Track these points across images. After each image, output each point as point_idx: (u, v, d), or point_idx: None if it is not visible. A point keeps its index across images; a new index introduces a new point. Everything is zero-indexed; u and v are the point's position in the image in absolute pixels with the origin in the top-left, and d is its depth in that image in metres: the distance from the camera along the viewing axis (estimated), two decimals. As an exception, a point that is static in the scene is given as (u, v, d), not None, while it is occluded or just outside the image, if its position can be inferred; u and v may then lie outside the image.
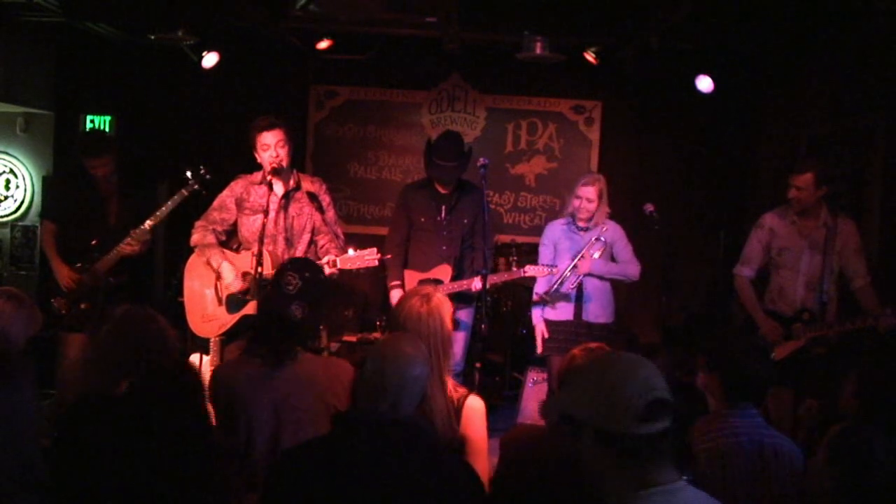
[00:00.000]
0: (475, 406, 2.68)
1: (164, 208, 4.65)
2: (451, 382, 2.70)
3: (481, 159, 4.51)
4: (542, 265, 4.68)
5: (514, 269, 4.92)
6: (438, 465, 2.07)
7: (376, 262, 4.24)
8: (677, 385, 3.93)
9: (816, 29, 5.19)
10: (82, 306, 4.69)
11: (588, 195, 4.70)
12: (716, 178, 6.76)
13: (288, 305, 2.92)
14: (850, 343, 4.24)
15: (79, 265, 4.73)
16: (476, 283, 4.60)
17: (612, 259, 4.81)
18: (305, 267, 3.08)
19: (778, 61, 6.01)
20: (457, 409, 2.66)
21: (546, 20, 5.52)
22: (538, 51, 5.55)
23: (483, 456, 2.68)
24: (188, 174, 4.61)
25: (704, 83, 6.00)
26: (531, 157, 6.89)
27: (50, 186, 5.29)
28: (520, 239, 6.56)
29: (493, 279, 4.69)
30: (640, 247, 6.59)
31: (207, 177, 4.62)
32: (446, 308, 2.72)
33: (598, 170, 6.86)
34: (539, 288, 4.81)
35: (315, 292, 3.02)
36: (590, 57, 5.96)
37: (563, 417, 1.72)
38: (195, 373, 2.73)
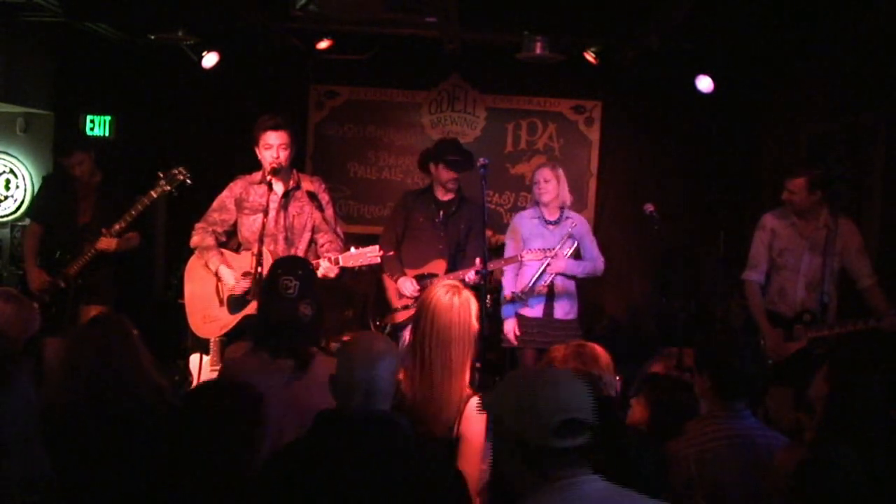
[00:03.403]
0: (477, 406, 2.72)
1: (132, 210, 4.64)
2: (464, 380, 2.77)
3: (481, 159, 4.51)
4: (539, 249, 4.71)
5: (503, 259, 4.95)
6: (413, 457, 2.12)
7: (378, 259, 4.24)
8: (677, 385, 3.93)
9: (816, 29, 5.18)
10: (53, 310, 4.67)
11: (544, 176, 4.88)
12: (716, 178, 6.76)
13: (296, 309, 2.88)
14: (851, 344, 4.24)
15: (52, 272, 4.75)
16: (470, 275, 4.63)
17: (578, 254, 4.91)
18: (296, 265, 3.05)
19: (778, 61, 6.01)
20: (459, 408, 2.70)
21: (546, 20, 5.52)
22: (538, 51, 5.55)
23: (475, 460, 2.71)
24: (160, 174, 4.59)
25: (704, 83, 6.00)
26: (531, 157, 6.88)
27: (39, 188, 5.33)
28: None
29: (489, 266, 4.69)
30: (640, 247, 6.63)
31: (180, 178, 4.56)
32: (473, 302, 2.83)
33: (598, 170, 6.88)
34: (507, 287, 4.92)
35: (313, 287, 3.00)
36: (590, 57, 5.95)
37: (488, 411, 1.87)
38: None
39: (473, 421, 2.70)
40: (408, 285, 4.82)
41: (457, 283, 2.93)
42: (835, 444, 2.17)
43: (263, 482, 2.14)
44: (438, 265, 4.88)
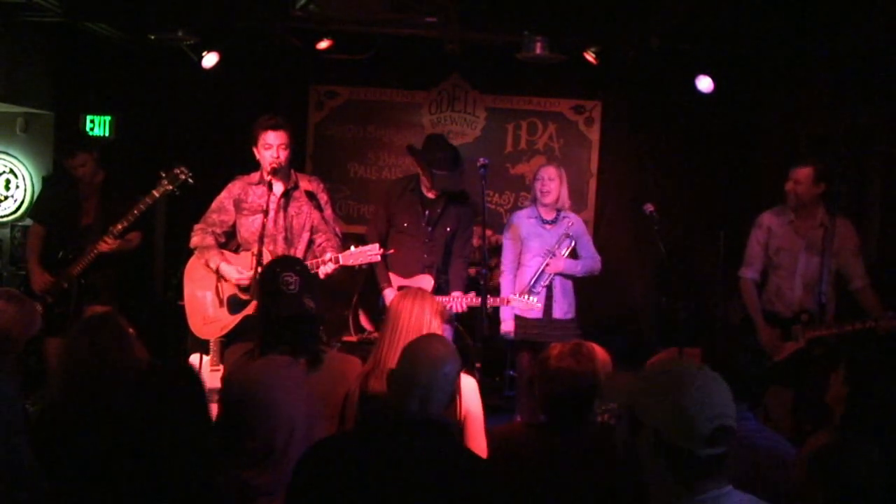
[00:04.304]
0: (469, 384, 2.85)
1: (134, 210, 4.63)
2: None
3: (481, 159, 4.50)
4: (526, 298, 4.69)
5: (498, 297, 4.87)
6: (463, 465, 2.12)
7: (378, 258, 4.25)
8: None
9: (816, 29, 5.19)
10: (57, 310, 4.68)
11: (548, 174, 4.89)
12: (716, 178, 6.76)
13: (301, 303, 2.92)
14: (849, 344, 4.24)
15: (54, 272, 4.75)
16: (455, 305, 4.60)
17: (575, 254, 4.93)
18: (292, 262, 3.11)
19: (778, 61, 6.01)
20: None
21: (546, 20, 5.52)
22: (538, 51, 5.54)
23: (482, 433, 2.83)
24: (161, 174, 4.59)
25: (704, 83, 6.00)
26: (531, 157, 6.89)
27: (42, 188, 5.32)
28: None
29: (475, 301, 4.59)
30: (639, 247, 6.63)
31: (182, 177, 4.56)
32: (433, 301, 2.96)
33: (598, 170, 6.88)
34: (506, 289, 4.90)
35: (311, 280, 3.06)
36: (590, 57, 5.95)
37: (629, 412, 1.79)
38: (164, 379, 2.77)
39: (471, 398, 2.81)
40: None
41: (416, 287, 3.07)
42: (857, 434, 2.17)
43: (304, 471, 2.13)
44: (425, 281, 4.72)
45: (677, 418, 1.69)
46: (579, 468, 2.28)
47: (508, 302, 4.71)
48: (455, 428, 2.21)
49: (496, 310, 5.03)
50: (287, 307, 2.94)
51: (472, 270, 5.33)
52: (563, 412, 2.43)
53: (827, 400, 2.72)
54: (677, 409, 1.69)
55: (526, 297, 4.69)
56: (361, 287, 5.08)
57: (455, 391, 2.71)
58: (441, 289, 4.78)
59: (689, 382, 1.73)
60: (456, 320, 4.91)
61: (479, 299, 4.48)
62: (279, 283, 2.96)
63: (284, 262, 3.10)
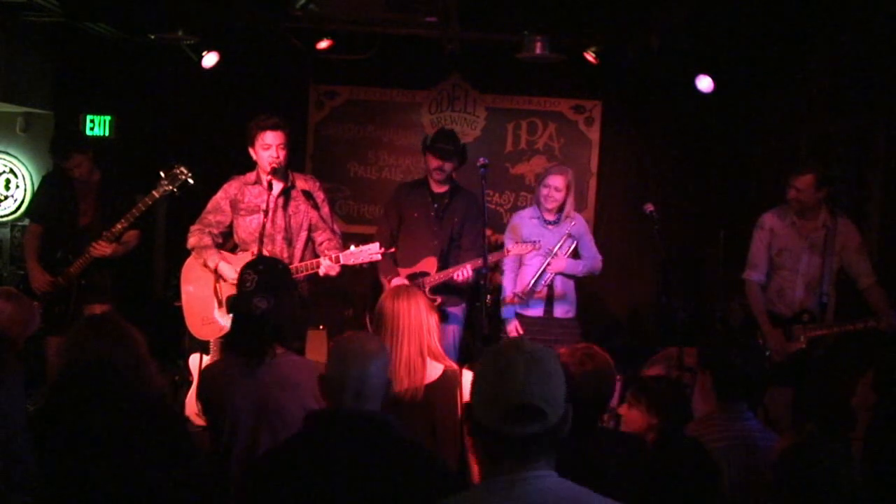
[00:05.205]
0: (470, 379, 2.83)
1: (134, 210, 4.61)
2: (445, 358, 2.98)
3: (481, 159, 4.49)
4: (525, 242, 4.69)
5: (497, 252, 4.86)
6: (407, 456, 2.12)
7: (379, 257, 4.24)
8: (677, 385, 3.94)
9: (816, 29, 5.19)
10: (56, 310, 4.66)
11: (556, 184, 4.82)
12: (716, 178, 6.76)
13: (248, 302, 2.89)
14: (850, 344, 4.24)
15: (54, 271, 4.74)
16: (461, 274, 4.59)
17: (576, 253, 4.92)
18: (259, 262, 3.09)
19: (778, 61, 6.01)
20: (454, 384, 2.87)
21: (546, 20, 5.52)
22: (538, 51, 5.54)
23: None
24: (161, 174, 4.57)
25: (704, 83, 5.99)
26: (531, 157, 6.89)
27: (37, 188, 5.31)
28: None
29: (478, 262, 4.57)
30: (640, 247, 6.63)
31: (182, 177, 4.55)
32: (420, 298, 3.01)
33: (598, 170, 6.87)
34: (508, 288, 4.89)
35: (274, 281, 2.97)
36: (590, 57, 5.95)
37: None
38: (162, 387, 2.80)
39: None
40: None
41: (403, 286, 3.17)
42: (826, 440, 2.16)
43: (252, 482, 2.13)
44: (429, 263, 4.79)
45: (480, 391, 1.65)
46: (591, 473, 2.26)
47: (509, 252, 4.69)
48: (398, 426, 2.18)
49: (497, 310, 5.02)
50: (236, 306, 2.94)
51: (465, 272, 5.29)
52: (586, 417, 2.37)
53: (853, 403, 2.74)
54: (484, 383, 1.65)
55: (527, 244, 4.67)
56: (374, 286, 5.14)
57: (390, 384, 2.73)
58: (445, 266, 4.78)
59: (501, 357, 1.67)
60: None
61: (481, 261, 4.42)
62: (240, 281, 2.96)
63: (253, 262, 3.06)
